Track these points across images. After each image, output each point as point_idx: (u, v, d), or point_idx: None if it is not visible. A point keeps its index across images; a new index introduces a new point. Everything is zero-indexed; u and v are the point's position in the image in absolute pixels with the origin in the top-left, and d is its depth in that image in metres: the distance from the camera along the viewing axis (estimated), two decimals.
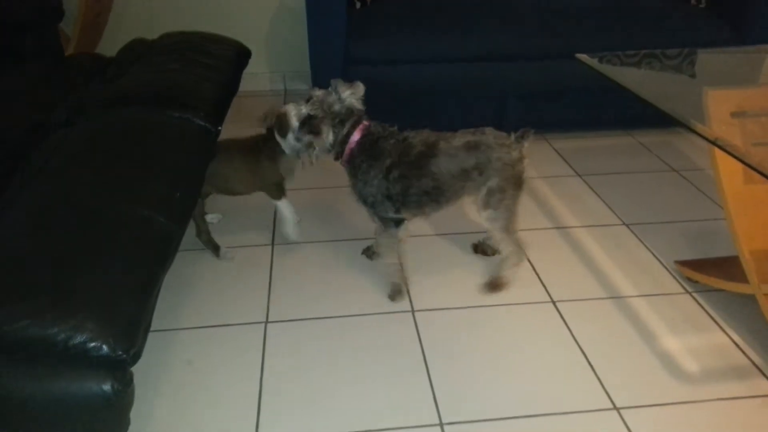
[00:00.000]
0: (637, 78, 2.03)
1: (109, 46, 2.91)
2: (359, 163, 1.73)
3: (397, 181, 1.71)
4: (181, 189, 1.63)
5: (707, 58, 2.26)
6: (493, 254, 2.04)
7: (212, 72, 2.20)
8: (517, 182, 1.76)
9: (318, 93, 1.74)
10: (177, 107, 1.93)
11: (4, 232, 1.39)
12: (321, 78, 2.66)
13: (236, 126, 2.97)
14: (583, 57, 2.00)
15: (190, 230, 1.74)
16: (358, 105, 1.76)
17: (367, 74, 2.62)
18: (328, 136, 1.72)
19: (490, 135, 1.75)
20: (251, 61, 2.60)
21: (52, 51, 2.61)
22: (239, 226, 2.23)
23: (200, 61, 2.24)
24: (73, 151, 1.67)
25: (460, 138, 1.74)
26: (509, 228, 1.81)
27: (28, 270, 1.27)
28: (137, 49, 2.43)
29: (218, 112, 2.09)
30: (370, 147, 1.73)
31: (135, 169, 1.61)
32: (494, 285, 1.89)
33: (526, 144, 1.78)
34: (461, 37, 2.64)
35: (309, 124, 1.69)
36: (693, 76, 2.18)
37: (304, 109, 1.71)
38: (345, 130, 1.73)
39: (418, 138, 1.75)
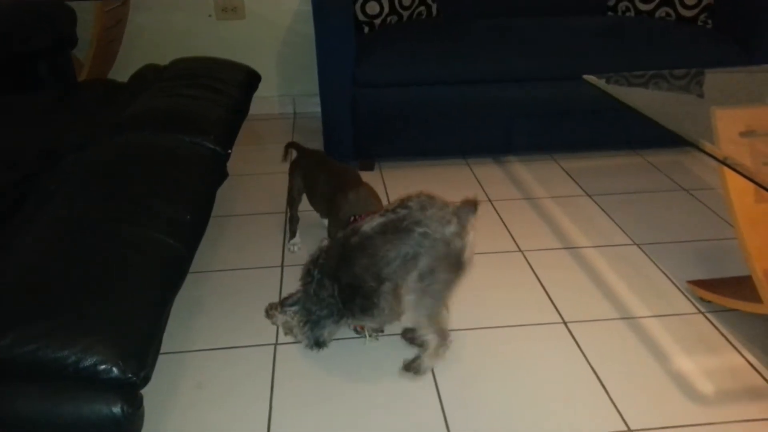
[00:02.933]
0: (645, 98, 2.04)
1: (121, 71, 2.97)
2: (306, 299, 1.62)
3: (330, 296, 1.56)
4: (192, 212, 1.65)
5: (715, 78, 2.26)
6: (421, 345, 1.67)
7: (222, 96, 2.23)
8: (453, 264, 1.48)
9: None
10: (188, 131, 1.95)
11: (17, 255, 1.40)
12: (330, 101, 2.70)
13: (246, 149, 3.01)
14: (590, 78, 2.01)
15: (201, 251, 1.75)
16: None
17: (376, 97, 2.66)
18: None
19: (417, 206, 1.49)
20: (261, 84, 2.64)
21: (66, 77, 2.66)
22: (250, 247, 2.23)
23: (211, 86, 2.27)
24: (85, 175, 1.70)
25: (381, 218, 1.51)
26: (434, 318, 1.53)
27: (40, 293, 1.28)
28: (149, 75, 2.47)
29: (229, 135, 2.12)
30: (306, 273, 1.63)
31: (146, 192, 1.63)
32: (410, 369, 1.62)
33: (470, 218, 1.50)
34: (469, 60, 2.67)
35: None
36: (701, 95, 2.19)
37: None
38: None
39: (340, 239, 1.57)
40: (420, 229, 1.44)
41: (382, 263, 1.45)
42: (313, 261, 1.62)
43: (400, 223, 1.46)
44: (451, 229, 1.46)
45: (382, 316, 1.53)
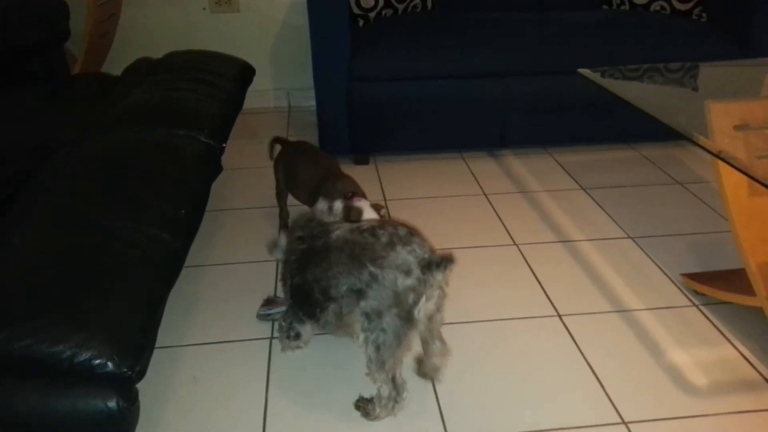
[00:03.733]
0: (640, 92, 2.04)
1: (115, 65, 2.95)
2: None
3: (288, 288, 1.53)
4: (186, 206, 1.64)
5: (709, 72, 2.27)
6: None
7: (217, 90, 2.22)
8: (403, 318, 1.34)
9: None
10: (182, 125, 1.94)
11: (11, 251, 1.39)
12: (325, 95, 2.69)
13: (241, 143, 3.00)
14: (585, 72, 2.01)
15: (195, 246, 1.75)
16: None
17: (371, 91, 2.65)
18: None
19: (386, 240, 1.35)
20: (255, 78, 2.63)
21: (58, 71, 2.64)
22: (245, 241, 2.23)
23: (205, 80, 2.26)
24: (78, 170, 1.69)
25: (350, 234, 1.40)
26: (383, 365, 1.39)
27: (34, 288, 1.27)
28: (142, 69, 2.46)
29: (223, 129, 2.11)
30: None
31: (140, 187, 1.62)
32: (359, 408, 1.51)
33: (437, 275, 1.33)
34: (463, 54, 2.66)
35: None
36: (695, 89, 2.19)
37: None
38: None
39: (315, 234, 1.47)
40: (372, 269, 1.31)
41: (332, 282, 1.37)
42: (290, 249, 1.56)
43: (361, 250, 1.34)
44: (408, 282, 1.31)
45: (327, 327, 1.48)
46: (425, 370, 1.59)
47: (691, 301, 1.91)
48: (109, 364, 1.16)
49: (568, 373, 1.64)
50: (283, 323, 1.66)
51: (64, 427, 1.22)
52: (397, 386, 1.43)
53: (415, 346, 1.58)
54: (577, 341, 1.75)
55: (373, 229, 1.37)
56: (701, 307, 1.88)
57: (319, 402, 1.56)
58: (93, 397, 1.18)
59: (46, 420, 1.20)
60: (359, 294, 1.34)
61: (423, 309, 1.35)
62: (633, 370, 1.65)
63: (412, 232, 1.38)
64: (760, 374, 1.63)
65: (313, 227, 1.50)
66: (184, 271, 1.57)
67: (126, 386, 1.20)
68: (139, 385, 1.23)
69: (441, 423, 1.49)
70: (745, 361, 1.68)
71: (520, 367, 1.66)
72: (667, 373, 1.64)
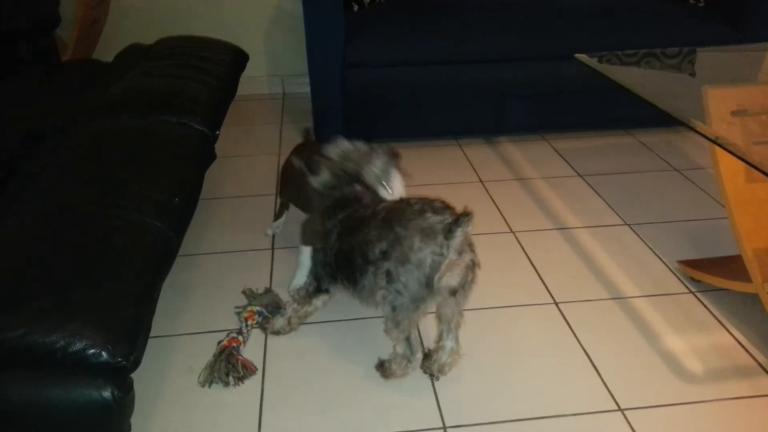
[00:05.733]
0: (637, 77, 2.03)
1: (106, 51, 2.91)
2: (323, 215, 1.58)
3: (330, 249, 1.53)
4: (180, 194, 1.63)
5: (707, 57, 2.26)
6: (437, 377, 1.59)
7: (209, 76, 2.20)
8: (422, 283, 1.35)
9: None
10: (174, 112, 1.92)
11: (2, 239, 1.38)
12: (319, 81, 2.66)
13: (234, 130, 2.98)
14: (582, 57, 1.99)
15: (189, 234, 1.73)
16: (371, 179, 1.55)
17: (366, 77, 2.63)
18: (324, 178, 1.57)
19: (417, 207, 1.38)
20: (249, 64, 2.60)
21: (49, 57, 2.61)
22: (239, 230, 2.22)
23: (197, 66, 2.23)
24: (70, 158, 1.67)
25: (394, 204, 1.45)
26: (400, 326, 1.43)
27: (27, 277, 1.26)
28: (134, 55, 2.43)
29: (216, 116, 2.09)
30: (335, 206, 1.55)
31: (133, 175, 1.60)
32: (379, 369, 1.58)
33: (458, 234, 1.31)
34: (459, 39, 2.64)
35: (315, 161, 1.57)
36: (693, 74, 2.18)
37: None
38: (338, 183, 1.56)
39: (371, 206, 1.49)
40: (398, 229, 1.35)
41: (368, 246, 1.41)
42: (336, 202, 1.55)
43: (394, 215, 1.39)
44: (429, 245, 1.31)
45: (363, 293, 1.49)
46: (430, 364, 1.57)
47: (687, 287, 1.91)
48: (104, 353, 1.15)
49: (564, 361, 1.64)
50: (308, 279, 1.65)
51: (59, 418, 1.21)
52: (411, 346, 1.48)
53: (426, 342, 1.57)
54: (573, 328, 1.75)
55: (411, 200, 1.42)
56: (697, 294, 1.88)
57: (315, 388, 1.56)
58: (87, 387, 1.17)
59: (40, 410, 1.19)
60: (385, 256, 1.37)
61: (444, 278, 1.33)
62: (629, 357, 1.65)
63: (447, 206, 1.40)
64: (756, 360, 1.63)
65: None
66: (177, 260, 1.56)
67: (121, 376, 1.20)
68: (133, 375, 1.23)
69: (437, 409, 1.49)
70: (740, 348, 1.68)
71: (516, 355, 1.66)
72: (664, 360, 1.64)
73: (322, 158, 1.56)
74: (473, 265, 1.40)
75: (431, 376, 1.57)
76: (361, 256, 1.44)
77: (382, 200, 1.52)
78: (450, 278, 1.34)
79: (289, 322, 1.70)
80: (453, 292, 1.39)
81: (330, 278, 1.58)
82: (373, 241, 1.40)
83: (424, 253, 1.32)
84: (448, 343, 1.54)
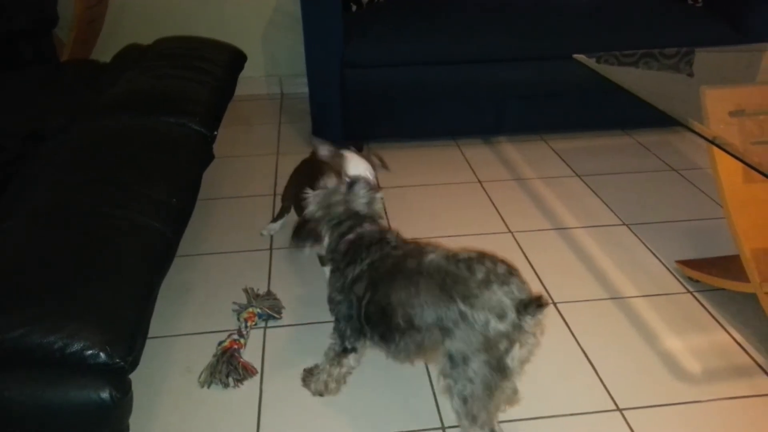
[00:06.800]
0: (635, 78, 2.03)
1: (104, 52, 2.91)
2: (335, 266, 1.43)
3: (357, 299, 1.36)
4: (178, 195, 1.62)
5: (705, 57, 2.26)
6: None
7: (207, 76, 2.19)
8: (493, 366, 1.20)
9: (325, 189, 1.44)
10: (172, 112, 1.92)
11: (2, 240, 1.37)
12: (318, 81, 2.66)
13: (232, 130, 2.98)
14: (580, 57, 2.00)
15: (187, 235, 1.73)
16: (365, 209, 1.43)
17: (364, 77, 2.63)
18: (328, 241, 1.43)
19: (482, 275, 1.20)
20: (247, 64, 2.60)
21: (47, 58, 2.61)
22: (237, 230, 2.22)
23: (195, 66, 2.23)
24: (69, 158, 1.67)
25: (446, 262, 1.26)
26: (477, 419, 1.24)
27: (25, 278, 1.26)
28: (132, 55, 2.42)
29: (214, 116, 2.09)
30: (353, 251, 1.38)
31: (131, 175, 1.60)
32: None
33: (530, 319, 1.18)
34: (458, 39, 2.64)
35: (306, 230, 1.42)
36: (691, 75, 2.18)
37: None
38: (341, 230, 1.41)
39: (401, 250, 1.35)
40: (463, 307, 1.18)
41: (416, 311, 1.24)
42: (359, 245, 1.38)
43: (453, 282, 1.21)
44: (501, 326, 1.17)
45: (397, 354, 1.34)
46: None
47: (685, 287, 1.91)
48: (102, 354, 1.15)
49: (562, 361, 1.65)
50: (331, 339, 1.49)
51: (57, 418, 1.21)
52: None
53: None
54: (571, 328, 1.75)
55: (470, 261, 1.23)
56: (696, 294, 1.88)
57: None
58: (86, 388, 1.17)
59: (39, 411, 1.19)
60: (445, 332, 1.21)
61: (517, 357, 1.20)
62: (627, 357, 1.66)
63: (512, 271, 1.23)
64: (754, 360, 1.64)
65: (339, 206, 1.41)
66: (176, 261, 1.56)
67: (119, 377, 1.19)
68: (132, 376, 1.23)
69: (436, 411, 1.49)
70: (738, 348, 1.68)
71: None
72: (662, 360, 1.64)
73: (308, 221, 1.43)
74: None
75: None
76: (403, 318, 1.26)
77: (423, 249, 1.33)
78: (521, 354, 1.22)
79: (326, 386, 1.52)
80: (522, 364, 1.27)
81: (357, 334, 1.41)
82: (424, 306, 1.23)
83: (495, 335, 1.17)
84: (510, 387, 1.36)
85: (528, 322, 1.18)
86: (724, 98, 1.85)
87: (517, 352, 1.20)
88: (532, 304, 1.17)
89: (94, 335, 1.16)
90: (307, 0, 2.49)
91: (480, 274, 1.20)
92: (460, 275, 1.21)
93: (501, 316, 1.17)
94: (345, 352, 1.46)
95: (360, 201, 1.43)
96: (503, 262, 1.25)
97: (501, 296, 1.18)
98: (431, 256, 1.28)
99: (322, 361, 1.52)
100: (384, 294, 1.30)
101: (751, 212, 1.70)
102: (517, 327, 1.17)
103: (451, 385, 1.24)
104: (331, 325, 1.49)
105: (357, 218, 1.41)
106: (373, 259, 1.35)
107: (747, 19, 2.68)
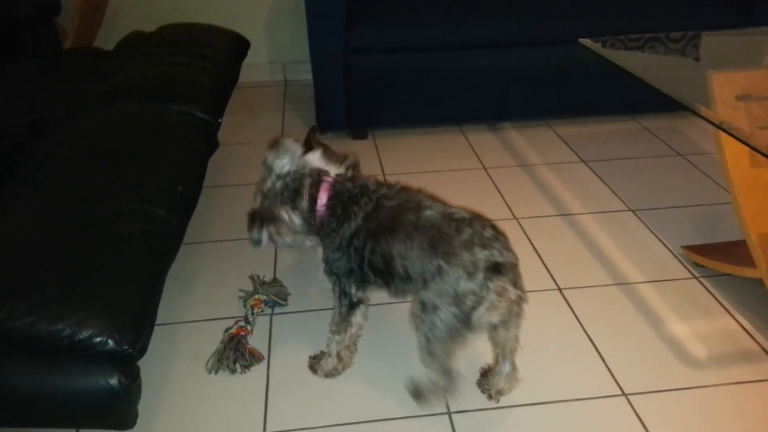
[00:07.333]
0: (641, 62, 2.01)
1: (107, 39, 2.91)
2: (329, 230, 1.43)
3: (357, 251, 1.40)
4: (184, 182, 1.63)
5: (712, 41, 2.23)
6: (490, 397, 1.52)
7: (211, 63, 2.19)
8: (460, 318, 1.28)
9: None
10: (176, 100, 1.92)
11: (8, 228, 1.38)
12: (321, 68, 2.65)
13: (237, 118, 2.97)
14: (586, 42, 1.98)
15: (193, 222, 1.73)
16: (310, 164, 1.44)
17: (368, 63, 2.62)
18: (290, 216, 1.43)
19: (467, 236, 1.28)
20: (250, 51, 2.59)
21: (50, 45, 2.60)
22: (243, 218, 2.21)
23: (199, 53, 2.23)
24: (73, 146, 1.67)
25: (441, 219, 1.33)
26: (435, 356, 1.34)
27: (32, 266, 1.26)
28: (135, 42, 2.42)
29: (218, 103, 2.09)
30: (340, 210, 1.41)
31: (136, 163, 1.61)
32: (414, 393, 1.46)
33: (496, 281, 1.25)
34: (462, 24, 2.62)
35: (258, 219, 1.46)
36: (697, 59, 2.16)
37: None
38: (305, 199, 1.41)
39: (395, 200, 1.40)
40: (441, 262, 1.27)
41: (409, 263, 1.33)
42: (353, 197, 1.41)
43: (440, 240, 1.29)
44: (469, 284, 1.25)
45: (396, 294, 1.42)
46: (488, 386, 1.51)
47: (691, 273, 1.91)
48: (110, 341, 1.16)
49: (568, 346, 1.65)
50: (336, 303, 1.52)
51: (66, 405, 1.22)
52: (452, 379, 1.37)
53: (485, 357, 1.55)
54: (577, 314, 1.75)
55: (461, 222, 1.31)
56: (701, 279, 1.88)
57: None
58: (94, 375, 1.18)
59: (48, 398, 1.20)
60: (424, 282, 1.31)
61: (484, 316, 1.27)
62: (633, 342, 1.66)
63: (497, 237, 1.31)
64: (760, 345, 1.64)
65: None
66: (182, 248, 1.56)
67: (127, 363, 1.21)
68: (140, 363, 1.24)
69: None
70: (744, 333, 1.68)
71: (520, 340, 1.66)
72: (668, 345, 1.64)
73: (255, 211, 1.47)
74: (519, 301, 1.32)
75: (489, 397, 1.51)
76: (402, 268, 1.34)
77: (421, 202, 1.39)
78: (490, 316, 1.28)
79: (339, 358, 1.55)
80: (494, 328, 1.36)
81: (360, 283, 1.46)
82: (415, 259, 1.31)
83: (463, 292, 1.26)
84: (505, 369, 1.46)
85: (495, 283, 1.25)
86: (731, 82, 1.83)
87: (484, 310, 1.27)
88: (501, 268, 1.26)
89: (102, 323, 1.17)
90: None
91: (465, 235, 1.28)
92: (448, 233, 1.30)
93: (471, 275, 1.25)
94: (351, 308, 1.49)
95: (296, 158, 1.43)
96: (494, 227, 1.33)
97: (477, 257, 1.26)
98: (429, 212, 1.35)
99: (329, 338, 1.55)
100: (387, 245, 1.36)
101: (757, 197, 1.70)
102: (484, 287, 1.25)
103: (418, 324, 1.33)
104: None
105: (312, 174, 1.42)
106: (366, 211, 1.39)
107: (755, 2, 2.66)
